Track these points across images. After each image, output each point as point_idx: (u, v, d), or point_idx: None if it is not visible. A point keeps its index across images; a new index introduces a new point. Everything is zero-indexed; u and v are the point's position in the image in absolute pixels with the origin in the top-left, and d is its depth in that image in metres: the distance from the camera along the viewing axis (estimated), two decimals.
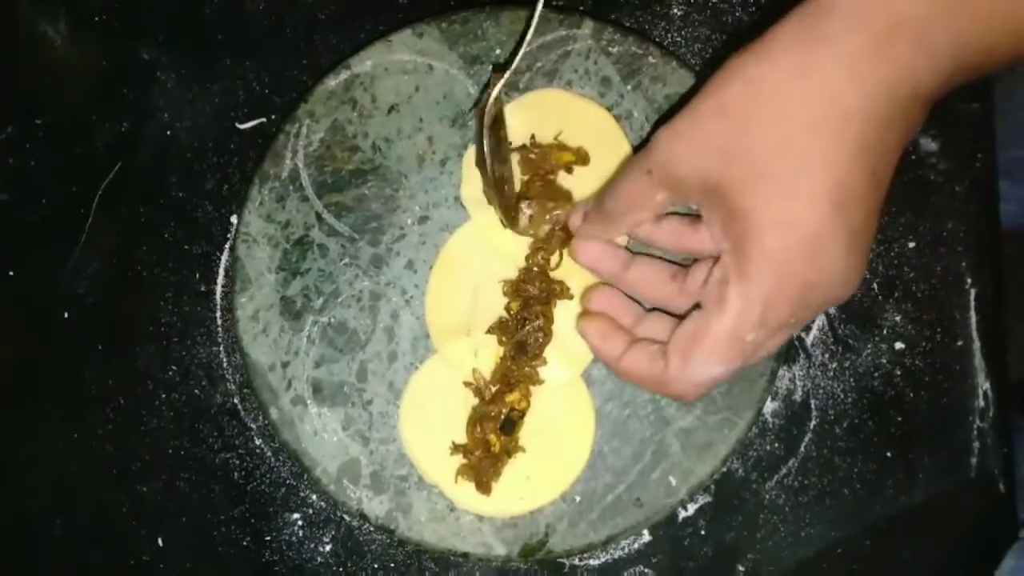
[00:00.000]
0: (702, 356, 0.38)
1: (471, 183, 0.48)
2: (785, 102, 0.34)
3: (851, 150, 0.34)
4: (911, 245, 0.50)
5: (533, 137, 0.48)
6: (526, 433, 0.48)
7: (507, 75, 0.44)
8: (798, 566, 0.50)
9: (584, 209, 0.45)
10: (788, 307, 0.36)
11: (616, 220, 0.43)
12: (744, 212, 0.36)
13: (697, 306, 0.40)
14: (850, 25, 0.34)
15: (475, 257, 0.48)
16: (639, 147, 0.48)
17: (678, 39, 0.51)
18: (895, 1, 0.33)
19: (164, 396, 0.51)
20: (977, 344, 0.50)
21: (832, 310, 0.50)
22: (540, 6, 0.44)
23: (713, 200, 0.37)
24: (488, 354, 0.48)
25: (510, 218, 0.46)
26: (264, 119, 0.51)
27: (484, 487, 0.47)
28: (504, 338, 0.47)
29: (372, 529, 0.49)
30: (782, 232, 0.35)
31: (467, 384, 0.48)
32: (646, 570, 0.49)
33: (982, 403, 0.50)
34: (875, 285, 0.50)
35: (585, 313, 0.46)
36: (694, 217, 0.41)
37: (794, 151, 0.34)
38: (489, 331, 0.48)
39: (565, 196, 0.48)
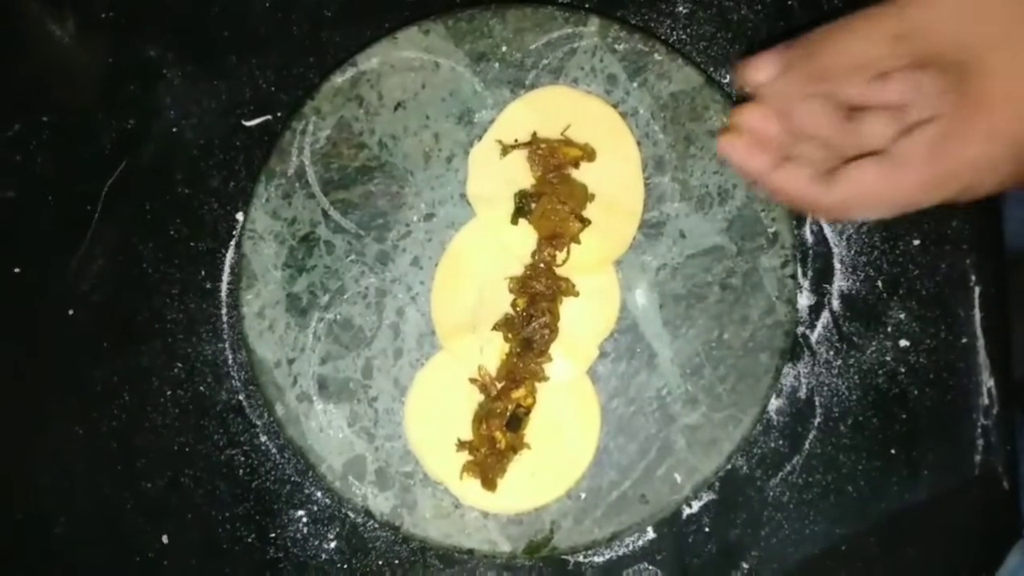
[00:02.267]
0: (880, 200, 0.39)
1: (477, 180, 0.49)
2: None
3: None
4: (916, 243, 0.50)
5: (535, 134, 0.48)
6: (531, 430, 0.48)
7: None
8: (802, 563, 0.50)
9: (773, 60, 0.41)
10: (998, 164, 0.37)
11: (829, 80, 0.39)
12: (981, 72, 0.36)
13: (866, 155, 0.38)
14: None
15: (481, 254, 0.49)
16: (644, 144, 0.48)
17: (684, 36, 0.51)
18: None
19: (169, 393, 0.51)
20: (981, 342, 0.50)
21: (837, 307, 0.50)
22: None
23: (948, 64, 0.36)
24: (494, 351, 0.48)
25: None
26: (270, 116, 0.51)
27: (489, 484, 0.47)
28: (510, 335, 0.47)
29: (377, 526, 0.49)
30: (1014, 100, 0.36)
31: (473, 381, 0.48)
32: (650, 567, 0.49)
33: (986, 400, 0.50)
34: (880, 283, 0.50)
35: (727, 130, 0.42)
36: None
37: None
38: (495, 328, 0.48)
39: (581, 190, 0.48)
